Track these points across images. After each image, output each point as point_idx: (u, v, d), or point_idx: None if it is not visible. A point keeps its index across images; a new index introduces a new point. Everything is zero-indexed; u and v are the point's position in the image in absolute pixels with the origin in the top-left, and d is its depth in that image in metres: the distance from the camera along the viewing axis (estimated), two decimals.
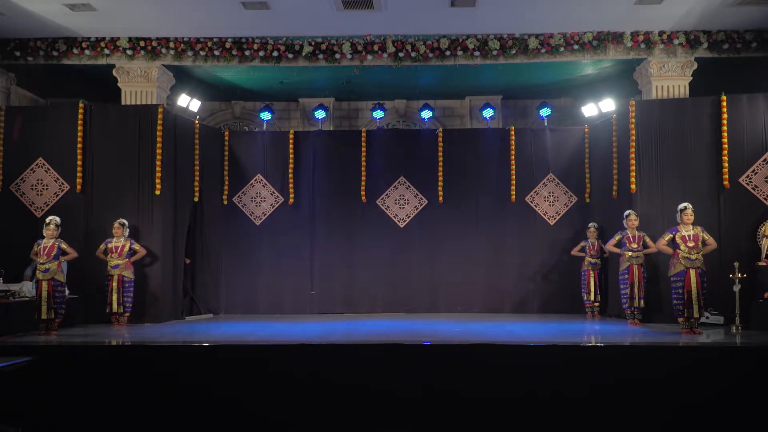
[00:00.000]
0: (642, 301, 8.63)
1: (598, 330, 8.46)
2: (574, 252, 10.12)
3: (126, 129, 9.68)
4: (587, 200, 10.79)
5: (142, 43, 10.03)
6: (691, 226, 7.72)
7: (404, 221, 11.01)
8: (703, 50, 9.85)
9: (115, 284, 8.87)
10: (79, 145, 9.56)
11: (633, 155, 9.44)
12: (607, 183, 10.15)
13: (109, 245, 9.02)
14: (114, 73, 10.28)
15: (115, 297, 8.85)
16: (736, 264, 7.91)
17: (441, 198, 10.90)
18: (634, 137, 9.46)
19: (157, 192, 9.54)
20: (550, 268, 10.74)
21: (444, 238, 10.91)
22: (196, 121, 10.72)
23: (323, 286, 10.96)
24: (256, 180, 11.10)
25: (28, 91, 11.40)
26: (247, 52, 10.09)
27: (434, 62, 10.12)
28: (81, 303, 9.10)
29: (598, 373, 5.98)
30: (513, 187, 10.82)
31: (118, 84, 10.33)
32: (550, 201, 10.89)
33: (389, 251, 10.91)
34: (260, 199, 11.09)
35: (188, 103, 10.82)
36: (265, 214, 11.06)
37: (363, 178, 10.96)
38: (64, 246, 8.24)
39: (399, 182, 11.04)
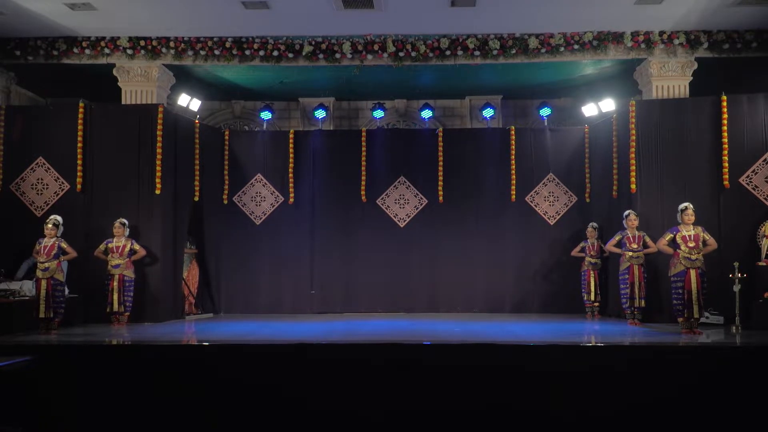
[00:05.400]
0: (642, 301, 8.62)
1: (598, 330, 8.47)
2: (574, 253, 10.12)
3: (126, 128, 9.68)
4: (587, 200, 10.79)
5: (142, 43, 10.03)
6: (691, 226, 7.71)
7: (404, 221, 11.01)
8: (704, 50, 9.85)
9: (115, 284, 8.86)
10: (79, 145, 9.55)
11: (633, 155, 9.44)
12: (607, 183, 10.16)
13: (110, 245, 9.01)
14: (114, 72, 10.27)
15: (115, 296, 8.84)
16: (736, 264, 7.90)
17: (441, 198, 10.90)
18: (634, 137, 9.47)
19: (158, 191, 9.53)
20: (550, 268, 10.73)
21: (444, 238, 10.90)
22: (197, 121, 10.73)
23: (323, 285, 10.96)
24: (256, 179, 11.10)
25: (29, 91, 11.40)
26: (247, 52, 10.09)
27: (434, 62, 10.11)
28: (81, 302, 9.10)
29: (597, 373, 5.98)
30: (513, 187, 10.82)
31: (118, 83, 10.32)
32: (550, 201, 10.89)
33: (389, 251, 10.90)
34: (260, 199, 11.09)
35: (188, 102, 10.82)
36: (265, 214, 11.06)
37: (363, 177, 10.96)
38: (64, 245, 8.24)
39: (399, 182, 11.04)
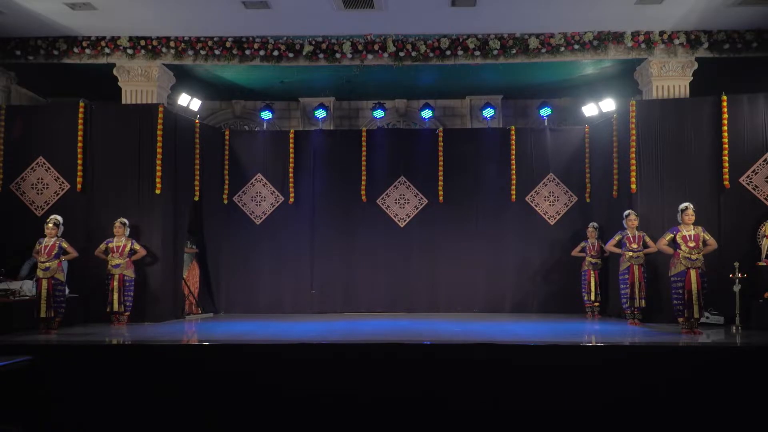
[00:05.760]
0: (642, 301, 8.62)
1: (598, 330, 8.47)
2: (575, 253, 10.11)
3: (126, 128, 9.68)
4: (587, 200, 10.79)
5: (142, 42, 10.03)
6: (692, 226, 7.70)
7: (404, 221, 11.00)
8: (704, 50, 9.85)
9: (116, 283, 8.85)
10: (80, 144, 9.55)
11: (633, 155, 9.44)
12: (608, 183, 10.16)
13: (110, 245, 9.01)
14: (114, 72, 10.27)
15: (115, 296, 8.84)
16: (737, 264, 7.90)
17: (441, 198, 10.90)
18: (634, 137, 9.46)
19: (158, 191, 9.53)
20: (550, 268, 10.73)
21: (444, 238, 10.90)
22: (197, 121, 10.72)
23: (323, 285, 10.95)
24: (256, 179, 11.11)
25: (29, 90, 11.42)
26: (247, 52, 10.09)
27: (435, 62, 10.12)
28: (81, 302, 9.09)
29: (597, 373, 5.98)
30: (513, 187, 10.81)
31: (118, 83, 10.33)
32: (550, 201, 10.88)
33: (389, 251, 10.90)
34: (260, 199, 11.09)
35: (189, 102, 10.82)
36: (265, 214, 11.06)
37: (363, 177, 10.96)
38: (65, 245, 8.23)
39: (399, 182, 11.04)
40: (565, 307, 10.35)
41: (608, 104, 10.69)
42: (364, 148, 11.01)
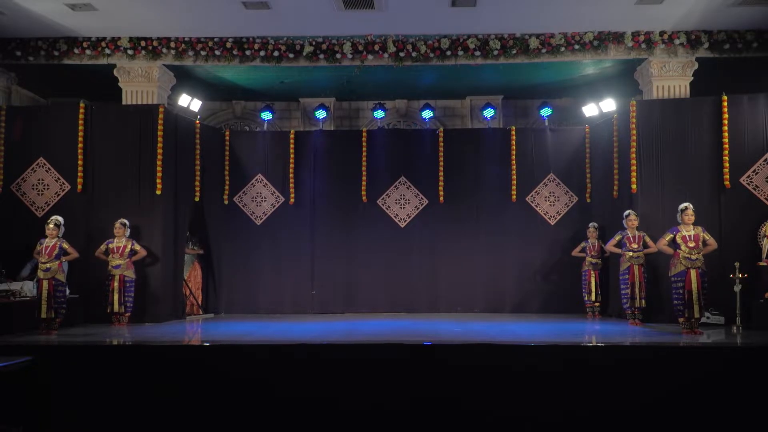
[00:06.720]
0: (643, 301, 8.62)
1: (599, 330, 8.47)
2: (575, 253, 10.11)
3: (127, 129, 9.69)
4: (588, 200, 10.78)
5: (143, 43, 10.04)
6: (691, 227, 7.70)
7: (405, 221, 11.01)
8: (704, 50, 9.85)
9: (116, 284, 8.86)
10: (80, 145, 9.56)
11: (634, 155, 9.44)
12: (608, 183, 10.15)
13: (110, 245, 9.01)
14: (115, 72, 10.28)
15: (116, 297, 8.85)
16: (737, 264, 7.89)
17: (442, 198, 10.90)
18: (634, 137, 9.46)
19: (158, 192, 9.53)
20: (550, 268, 10.73)
21: (444, 238, 10.90)
22: (197, 121, 10.72)
23: (324, 285, 10.95)
24: (256, 180, 11.11)
25: (29, 91, 11.43)
26: (247, 52, 10.10)
27: (435, 62, 10.12)
28: (82, 303, 9.09)
29: (598, 373, 5.97)
30: (513, 187, 10.81)
31: (119, 84, 10.34)
32: (550, 201, 10.88)
33: (390, 251, 10.91)
34: (261, 199, 11.09)
35: (189, 102, 10.82)
36: (265, 214, 11.06)
37: (364, 177, 10.96)
38: (65, 246, 8.24)
39: (400, 182, 11.04)
40: (566, 308, 10.35)
41: (608, 104, 10.70)
42: (364, 149, 11.01)
